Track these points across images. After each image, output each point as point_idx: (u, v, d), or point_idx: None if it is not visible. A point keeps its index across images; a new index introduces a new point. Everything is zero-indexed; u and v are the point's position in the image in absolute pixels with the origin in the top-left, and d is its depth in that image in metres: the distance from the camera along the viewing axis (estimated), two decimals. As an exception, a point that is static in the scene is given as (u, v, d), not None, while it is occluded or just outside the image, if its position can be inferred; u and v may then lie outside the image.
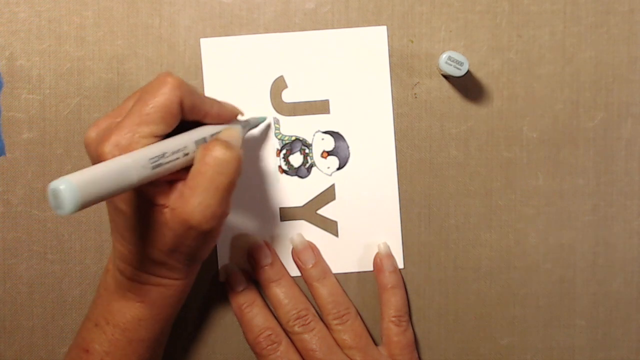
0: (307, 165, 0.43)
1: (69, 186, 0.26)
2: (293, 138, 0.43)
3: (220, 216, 0.33)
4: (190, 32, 0.43)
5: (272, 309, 0.42)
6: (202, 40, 0.43)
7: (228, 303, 0.42)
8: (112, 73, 0.43)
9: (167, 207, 0.33)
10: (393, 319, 0.41)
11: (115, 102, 0.43)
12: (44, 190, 0.43)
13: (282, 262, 0.43)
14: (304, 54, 0.43)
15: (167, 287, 0.36)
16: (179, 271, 0.36)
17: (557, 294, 0.44)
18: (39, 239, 0.43)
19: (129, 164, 0.29)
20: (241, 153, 0.34)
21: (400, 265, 0.43)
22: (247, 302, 0.41)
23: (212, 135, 0.35)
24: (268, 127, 0.42)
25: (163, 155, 0.31)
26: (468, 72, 0.42)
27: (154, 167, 0.31)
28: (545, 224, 0.43)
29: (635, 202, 0.43)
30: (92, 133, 0.34)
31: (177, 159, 0.32)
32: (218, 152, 0.33)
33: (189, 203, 0.32)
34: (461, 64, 0.40)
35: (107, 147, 0.31)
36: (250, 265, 0.42)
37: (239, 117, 0.39)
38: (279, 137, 0.43)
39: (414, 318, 0.44)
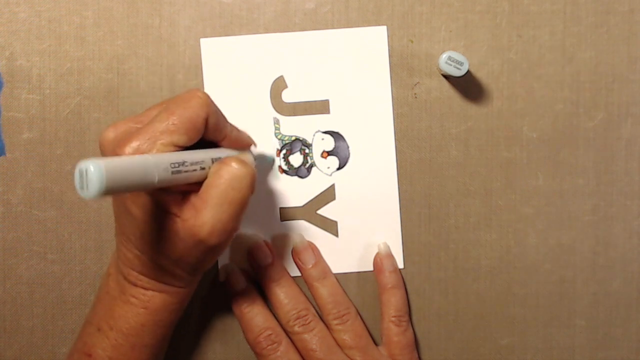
0: (307, 165, 0.43)
1: (98, 169, 0.26)
2: (293, 138, 0.43)
3: (229, 231, 0.34)
4: (190, 32, 0.43)
5: (272, 309, 0.42)
6: (202, 40, 0.43)
7: (228, 303, 0.42)
8: (112, 73, 0.43)
9: (178, 217, 0.33)
10: (393, 319, 0.41)
11: (116, 102, 0.43)
12: (44, 190, 0.43)
13: (282, 262, 0.43)
14: (304, 54, 0.43)
15: (170, 294, 0.36)
16: (183, 279, 0.36)
17: (557, 294, 0.44)
18: (39, 239, 0.43)
19: (152, 163, 0.29)
20: (255, 171, 0.34)
21: (400, 265, 0.43)
22: (247, 302, 0.41)
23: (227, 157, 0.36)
24: (272, 163, 0.43)
25: (183, 164, 0.32)
26: (468, 72, 0.42)
27: (173, 173, 0.31)
28: (545, 224, 0.43)
29: (635, 202, 0.43)
30: (110, 134, 0.34)
31: (195, 170, 0.33)
32: (233, 167, 0.33)
33: (200, 216, 0.33)
34: (461, 64, 0.40)
35: (128, 150, 0.32)
36: (250, 265, 0.42)
37: (252, 149, 0.40)
38: (279, 137, 0.43)
39: (414, 318, 0.44)
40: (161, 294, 0.36)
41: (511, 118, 0.43)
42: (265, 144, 0.43)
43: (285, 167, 0.43)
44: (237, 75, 0.43)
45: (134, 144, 0.32)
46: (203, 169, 0.33)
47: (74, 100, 0.43)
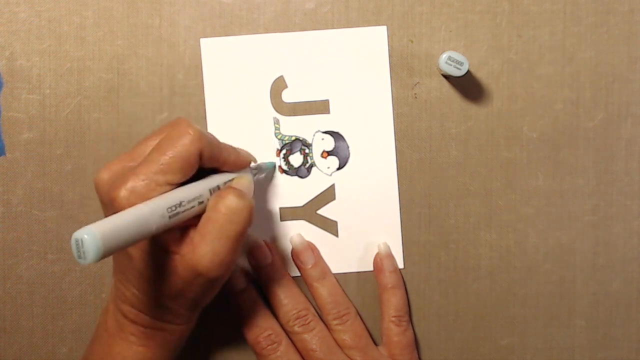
0: (307, 165, 0.43)
1: (92, 237, 0.26)
2: (293, 138, 0.43)
3: (228, 264, 0.34)
4: (190, 32, 0.43)
5: (272, 309, 0.42)
6: (202, 40, 0.43)
7: (228, 303, 0.42)
8: (112, 73, 0.43)
9: (177, 253, 0.33)
10: (393, 319, 0.41)
11: (116, 102, 0.43)
12: (44, 190, 0.43)
13: (282, 262, 0.43)
14: (304, 54, 0.43)
15: (169, 332, 0.36)
16: (182, 316, 0.36)
17: (557, 294, 0.44)
18: (39, 239, 0.43)
19: (148, 213, 0.30)
20: (253, 203, 0.34)
21: (400, 265, 0.43)
22: (247, 302, 0.41)
23: (225, 183, 0.36)
24: (273, 169, 0.43)
25: (180, 205, 0.32)
26: (468, 72, 0.42)
27: (171, 217, 0.31)
28: (545, 224, 0.43)
29: (635, 202, 0.43)
30: (105, 175, 0.34)
31: (192, 207, 0.33)
32: (230, 201, 0.33)
33: (199, 250, 0.33)
34: (461, 64, 0.40)
35: (123, 192, 0.32)
36: (250, 265, 0.42)
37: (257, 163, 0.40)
38: (279, 137, 0.43)
39: (414, 318, 0.44)
40: (160, 331, 0.36)
41: (511, 118, 0.43)
42: (265, 144, 0.43)
43: (285, 167, 0.43)
44: (237, 75, 0.43)
45: (129, 186, 0.32)
46: (201, 202, 0.33)
47: (74, 100, 0.43)
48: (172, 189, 0.33)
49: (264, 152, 0.43)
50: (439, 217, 0.43)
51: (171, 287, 0.34)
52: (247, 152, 0.39)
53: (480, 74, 0.43)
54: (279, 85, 0.43)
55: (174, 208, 0.31)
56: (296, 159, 0.43)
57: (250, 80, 0.43)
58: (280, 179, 0.43)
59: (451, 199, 0.43)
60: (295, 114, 0.43)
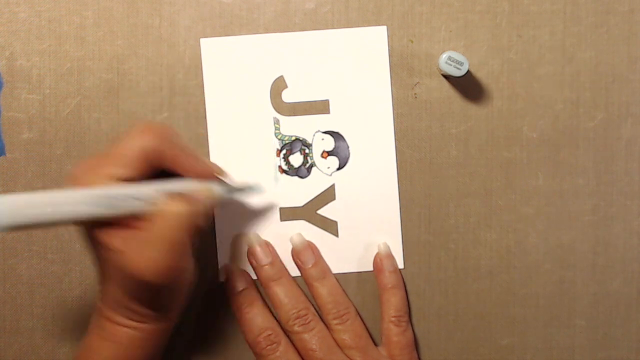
0: (307, 165, 0.43)
1: (1, 206, 0.26)
2: (293, 138, 0.43)
3: (175, 270, 0.33)
4: (190, 32, 0.43)
5: (272, 308, 0.42)
6: (202, 40, 0.43)
7: (228, 303, 0.42)
8: (112, 73, 0.43)
9: (125, 253, 0.33)
10: (393, 319, 0.41)
11: (115, 102, 0.43)
12: (44, 190, 0.43)
13: (282, 262, 0.43)
14: (304, 54, 0.43)
15: (137, 330, 0.36)
16: (146, 316, 0.36)
17: (557, 294, 0.44)
18: (39, 239, 0.43)
19: (76, 198, 0.29)
20: (201, 211, 0.34)
21: (400, 265, 0.43)
22: (247, 302, 0.41)
23: (183, 190, 0.35)
24: (258, 191, 0.42)
25: (116, 197, 0.31)
26: (468, 72, 0.42)
27: (104, 206, 0.30)
28: (545, 224, 0.43)
29: (635, 202, 0.43)
30: (72, 170, 0.35)
31: (137, 205, 0.32)
32: (174, 206, 0.33)
33: (140, 255, 0.32)
34: (461, 64, 0.40)
35: (67, 182, 0.32)
36: (250, 265, 0.42)
37: (237, 181, 0.40)
38: (279, 137, 0.43)
39: (414, 318, 0.44)
40: (127, 329, 0.36)
41: (511, 118, 0.43)
42: (265, 144, 0.43)
43: (285, 167, 0.43)
44: (237, 75, 0.43)
45: (71, 176, 0.32)
46: (150, 204, 0.33)
47: (74, 100, 0.43)
48: (118, 184, 0.32)
49: (264, 152, 0.43)
50: (439, 217, 0.43)
51: (122, 285, 0.34)
52: (217, 166, 0.38)
53: (480, 74, 0.43)
54: (279, 85, 0.43)
55: (108, 199, 0.31)
56: (296, 159, 0.43)
57: (250, 80, 0.43)
58: (280, 179, 0.43)
59: (451, 199, 0.43)
60: (295, 114, 0.43)
